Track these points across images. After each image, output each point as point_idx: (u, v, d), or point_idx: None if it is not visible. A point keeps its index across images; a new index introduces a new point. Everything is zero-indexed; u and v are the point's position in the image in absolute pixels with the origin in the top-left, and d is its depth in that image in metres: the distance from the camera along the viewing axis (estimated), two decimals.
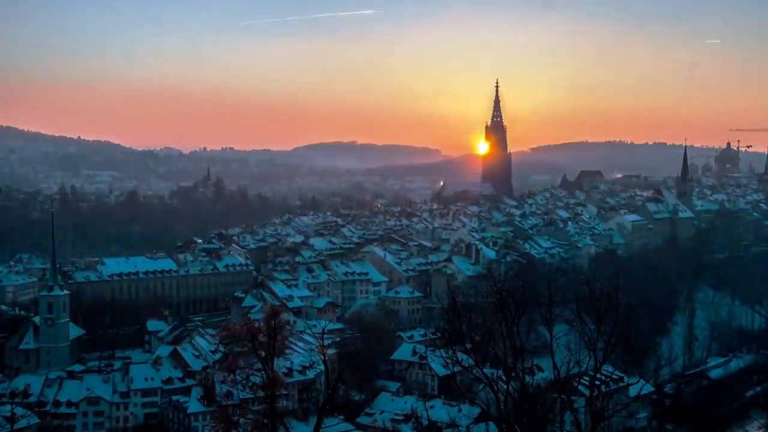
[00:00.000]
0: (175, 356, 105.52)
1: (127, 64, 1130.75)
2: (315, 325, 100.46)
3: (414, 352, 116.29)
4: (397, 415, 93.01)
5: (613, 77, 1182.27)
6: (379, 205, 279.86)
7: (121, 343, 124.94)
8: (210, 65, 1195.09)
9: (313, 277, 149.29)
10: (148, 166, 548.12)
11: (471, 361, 36.56)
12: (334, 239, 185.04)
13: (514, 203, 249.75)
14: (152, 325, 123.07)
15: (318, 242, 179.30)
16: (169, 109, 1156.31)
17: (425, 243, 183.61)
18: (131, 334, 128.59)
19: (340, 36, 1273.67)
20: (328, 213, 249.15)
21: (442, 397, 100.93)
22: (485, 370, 37.54)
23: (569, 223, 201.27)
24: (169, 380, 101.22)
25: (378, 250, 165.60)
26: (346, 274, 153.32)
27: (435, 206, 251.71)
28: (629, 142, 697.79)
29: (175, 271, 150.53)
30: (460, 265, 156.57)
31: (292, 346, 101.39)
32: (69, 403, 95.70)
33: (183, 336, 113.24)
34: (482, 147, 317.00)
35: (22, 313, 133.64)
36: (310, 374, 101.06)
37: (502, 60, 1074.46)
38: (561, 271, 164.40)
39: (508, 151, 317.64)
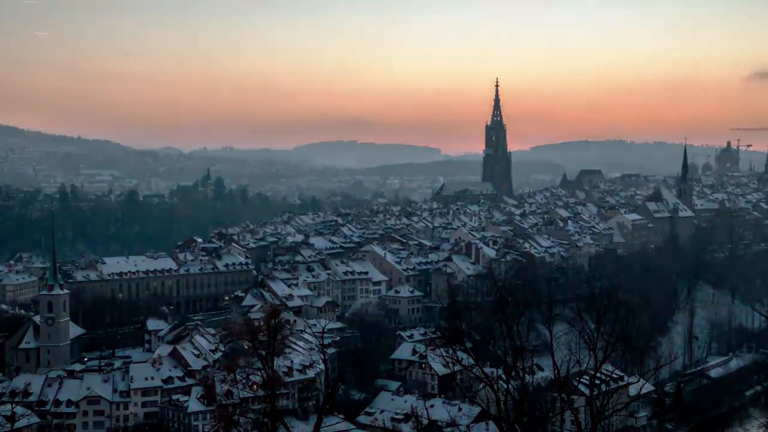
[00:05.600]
0: (175, 355, 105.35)
1: (127, 64, 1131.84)
2: (315, 325, 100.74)
3: (414, 352, 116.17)
4: (397, 414, 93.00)
5: (613, 76, 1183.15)
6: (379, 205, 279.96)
7: (121, 343, 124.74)
8: (210, 65, 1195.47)
9: (313, 276, 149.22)
10: (148, 166, 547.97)
11: (471, 361, 36.63)
12: (334, 238, 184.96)
13: (514, 202, 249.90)
14: (152, 324, 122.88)
15: (318, 241, 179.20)
16: (170, 109, 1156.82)
17: (425, 242, 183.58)
18: (131, 333, 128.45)
19: (340, 35, 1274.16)
20: (328, 212, 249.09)
21: (442, 396, 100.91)
22: (485, 369, 37.61)
23: (569, 222, 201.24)
24: (169, 379, 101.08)
25: (378, 249, 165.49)
26: (346, 273, 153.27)
27: (435, 205, 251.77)
28: (629, 141, 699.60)
29: (175, 271, 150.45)
30: (460, 264, 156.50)
31: (292, 345, 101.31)
32: (69, 403, 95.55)
33: (183, 335, 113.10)
34: (482, 146, 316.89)
35: (22, 312, 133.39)
36: (310, 373, 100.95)
37: (502, 59, 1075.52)
38: (561, 270, 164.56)
39: (508, 150, 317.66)
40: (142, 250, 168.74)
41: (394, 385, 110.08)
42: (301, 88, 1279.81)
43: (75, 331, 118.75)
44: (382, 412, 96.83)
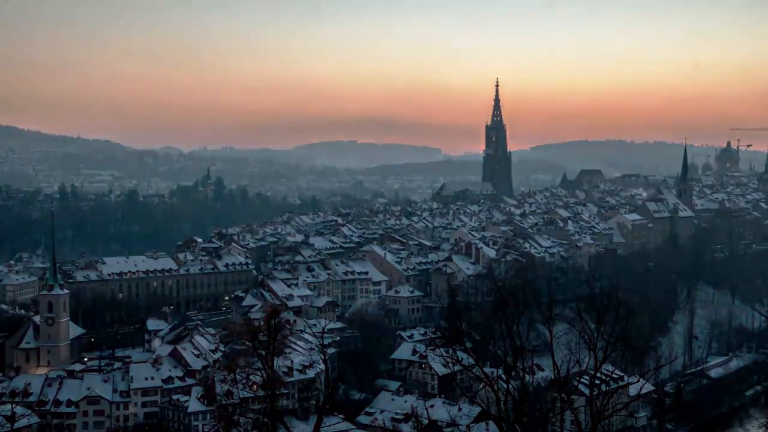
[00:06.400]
0: (176, 355, 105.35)
1: (128, 64, 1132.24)
2: (315, 325, 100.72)
3: (414, 351, 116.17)
4: (397, 414, 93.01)
5: (614, 76, 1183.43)
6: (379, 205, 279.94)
7: (121, 343, 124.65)
8: (210, 65, 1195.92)
9: (313, 276, 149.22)
10: (148, 166, 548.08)
11: (471, 361, 36.62)
12: (334, 238, 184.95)
13: (514, 202, 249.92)
14: (152, 324, 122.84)
15: (318, 241, 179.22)
16: (170, 109, 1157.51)
17: (425, 242, 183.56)
18: (131, 333, 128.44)
19: (341, 35, 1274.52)
20: (328, 212, 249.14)
21: (442, 396, 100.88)
22: (485, 369, 37.58)
23: (569, 222, 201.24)
24: (169, 379, 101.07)
25: (378, 249, 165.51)
26: (346, 273, 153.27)
27: (435, 205, 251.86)
28: (629, 141, 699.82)
29: (175, 271, 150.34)
30: (460, 264, 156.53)
31: (292, 345, 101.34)
32: (69, 403, 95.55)
33: (183, 335, 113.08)
34: (482, 146, 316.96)
35: (23, 312, 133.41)
36: (310, 373, 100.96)
37: (503, 59, 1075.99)
38: (561, 270, 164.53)
39: (508, 150, 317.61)
40: (142, 250, 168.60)
41: (394, 385, 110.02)
42: (301, 88, 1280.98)
43: (75, 331, 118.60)
44: (382, 412, 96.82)
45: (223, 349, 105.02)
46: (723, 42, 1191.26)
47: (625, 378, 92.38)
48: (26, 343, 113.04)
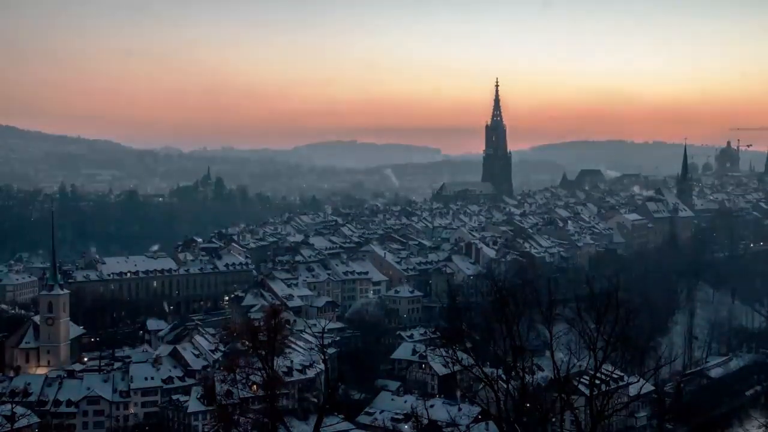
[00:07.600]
0: (175, 355, 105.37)
1: (128, 64, 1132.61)
2: (315, 325, 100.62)
3: (414, 351, 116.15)
4: (397, 414, 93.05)
5: (613, 75, 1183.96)
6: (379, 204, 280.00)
7: (121, 342, 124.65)
8: (210, 64, 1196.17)
9: (313, 276, 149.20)
10: (148, 166, 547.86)
11: (471, 361, 36.62)
12: (334, 238, 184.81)
13: (514, 202, 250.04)
14: (152, 324, 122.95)
15: (318, 241, 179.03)
16: (169, 109, 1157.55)
17: (425, 242, 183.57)
18: (131, 333, 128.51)
19: (340, 34, 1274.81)
20: (329, 212, 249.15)
21: (442, 396, 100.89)
22: (485, 369, 37.57)
23: (569, 222, 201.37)
24: (169, 379, 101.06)
25: (378, 249, 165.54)
26: (346, 273, 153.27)
27: (435, 205, 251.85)
28: (629, 140, 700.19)
29: (175, 271, 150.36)
30: (460, 264, 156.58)
31: (292, 345, 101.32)
32: (69, 403, 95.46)
33: (183, 335, 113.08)
34: (482, 146, 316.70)
35: (22, 312, 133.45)
36: (310, 373, 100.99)
37: (503, 59, 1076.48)
38: (561, 270, 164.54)
39: (508, 150, 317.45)
40: (142, 250, 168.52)
41: (394, 385, 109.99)
42: (302, 88, 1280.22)
43: (75, 331, 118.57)
44: (382, 412, 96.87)
45: (223, 349, 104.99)
46: (723, 42, 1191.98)
47: (625, 378, 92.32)
48: (26, 343, 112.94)
